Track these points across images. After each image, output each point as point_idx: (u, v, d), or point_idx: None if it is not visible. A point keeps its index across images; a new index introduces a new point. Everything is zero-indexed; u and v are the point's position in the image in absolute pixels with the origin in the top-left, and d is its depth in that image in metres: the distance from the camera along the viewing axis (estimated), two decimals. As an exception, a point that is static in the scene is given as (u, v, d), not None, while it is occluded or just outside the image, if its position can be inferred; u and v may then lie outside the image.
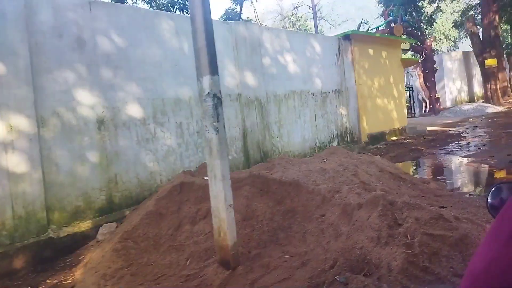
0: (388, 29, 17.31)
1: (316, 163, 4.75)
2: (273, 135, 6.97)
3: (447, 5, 27.32)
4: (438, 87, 18.54)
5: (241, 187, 3.38)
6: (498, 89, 17.60)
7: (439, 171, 6.56)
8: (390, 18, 16.91)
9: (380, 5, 22.52)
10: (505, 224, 0.43)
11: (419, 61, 17.53)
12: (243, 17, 18.94)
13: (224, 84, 5.82)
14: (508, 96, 19.56)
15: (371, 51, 10.25)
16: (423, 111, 17.82)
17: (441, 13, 25.09)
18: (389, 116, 10.88)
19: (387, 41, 11.24)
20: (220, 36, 5.81)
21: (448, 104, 18.28)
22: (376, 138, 10.17)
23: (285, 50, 7.47)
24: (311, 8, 31.28)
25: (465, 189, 4.90)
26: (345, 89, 9.27)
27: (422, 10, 23.56)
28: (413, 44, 17.78)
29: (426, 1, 24.40)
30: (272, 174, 3.91)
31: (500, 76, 19.74)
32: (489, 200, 0.94)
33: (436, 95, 17.41)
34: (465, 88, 18.87)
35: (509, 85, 20.25)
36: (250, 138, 6.33)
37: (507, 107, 16.74)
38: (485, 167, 6.22)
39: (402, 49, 18.09)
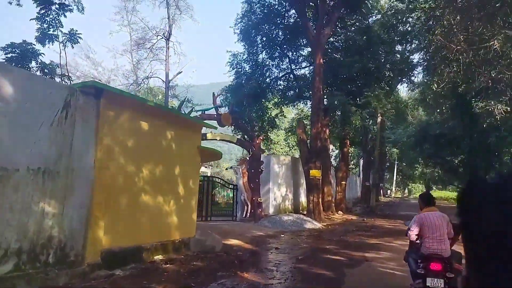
0: (215, 115, 15.45)
1: None
2: None
3: (290, 111, 28.85)
4: (262, 190, 16.88)
5: None
6: (321, 202, 16.85)
7: None
8: (219, 103, 15.07)
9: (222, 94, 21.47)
10: None
11: (246, 158, 15.78)
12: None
13: None
14: (332, 212, 19.24)
15: (143, 125, 7.08)
16: (243, 215, 15.51)
17: (283, 117, 25.67)
18: (161, 222, 7.46)
19: (179, 120, 8.43)
20: None
21: (271, 210, 16.58)
22: (122, 257, 6.43)
23: None
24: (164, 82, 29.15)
25: None
26: (68, 170, 5.53)
27: (266, 111, 23.51)
28: (242, 138, 16.11)
29: (270, 103, 24.69)
30: None
31: (325, 189, 19.60)
32: None
33: (259, 199, 15.45)
34: (290, 196, 17.80)
35: (333, 200, 20.22)
36: None
37: (326, 224, 15.72)
38: None
39: (226, 141, 16.26)
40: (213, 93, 15.04)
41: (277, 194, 17.08)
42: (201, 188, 15.03)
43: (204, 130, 10.73)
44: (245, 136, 16.25)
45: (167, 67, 29.48)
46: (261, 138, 16.83)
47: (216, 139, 14.89)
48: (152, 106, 8.00)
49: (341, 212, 19.79)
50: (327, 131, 20.57)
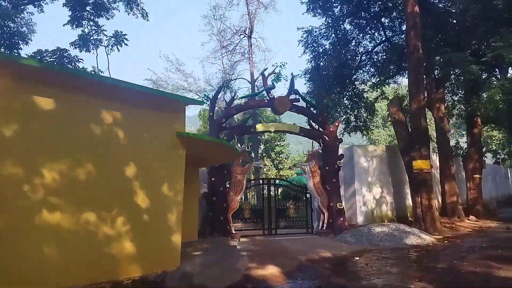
0: (266, 100, 12.29)
1: None
2: None
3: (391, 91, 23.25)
4: (346, 193, 12.88)
5: None
6: (434, 205, 11.86)
7: None
8: (270, 84, 11.97)
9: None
10: None
11: (312, 151, 12.18)
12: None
13: None
14: (459, 218, 13.75)
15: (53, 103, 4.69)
16: (319, 227, 11.86)
17: (386, 100, 20.64)
18: (102, 252, 4.89)
19: (132, 95, 5.80)
20: None
21: (360, 219, 12.44)
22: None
23: None
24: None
25: None
26: None
27: (361, 96, 19.22)
28: (311, 126, 12.60)
29: (367, 85, 20.19)
30: None
31: (447, 186, 14.20)
32: None
33: (338, 205, 11.61)
34: (389, 198, 13.20)
35: (459, 200, 14.57)
36: None
37: (443, 236, 10.83)
38: None
39: (284, 131, 12.82)
40: (263, 73, 12.00)
41: (367, 197, 12.82)
42: (260, 194, 12.14)
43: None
44: (312, 124, 12.62)
45: (251, 66, 27.81)
46: (336, 124, 12.91)
47: (270, 131, 11.78)
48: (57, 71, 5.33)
49: (473, 218, 13.97)
50: (442, 107, 15.07)
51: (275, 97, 11.77)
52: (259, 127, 11.56)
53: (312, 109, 12.75)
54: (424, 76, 13.80)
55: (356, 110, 19.29)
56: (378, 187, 13.08)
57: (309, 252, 8.75)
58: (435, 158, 15.29)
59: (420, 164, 12.08)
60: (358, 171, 12.86)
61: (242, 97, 11.40)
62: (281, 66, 23.06)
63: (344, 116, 19.12)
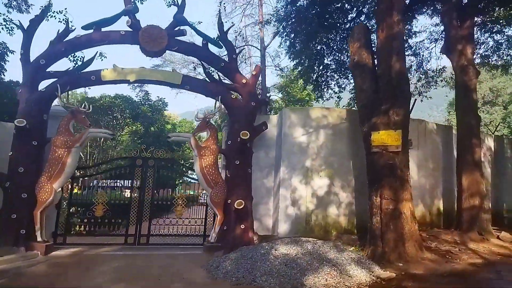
0: (122, 33, 8.02)
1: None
2: None
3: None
4: (263, 185, 8.22)
5: None
6: (408, 212, 6.64)
7: None
8: (131, 5, 7.85)
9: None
10: None
11: (205, 114, 7.82)
12: None
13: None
14: (481, 233, 8.15)
15: None
16: (211, 237, 7.45)
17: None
18: None
19: None
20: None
21: (283, 229, 7.67)
22: None
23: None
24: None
25: None
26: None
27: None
28: (209, 75, 8.27)
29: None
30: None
31: (465, 181, 8.59)
32: None
33: (237, 203, 7.20)
34: (344, 196, 8.11)
35: (484, 204, 8.84)
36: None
37: (404, 273, 5.78)
38: None
39: (151, 82, 8.29)
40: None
41: (301, 193, 7.93)
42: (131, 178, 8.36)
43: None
44: (213, 72, 8.19)
45: (261, 32, 23.42)
46: (255, 72, 8.24)
47: (128, 80, 7.69)
48: None
49: (508, 235, 8.04)
50: (468, 50, 9.15)
51: (142, 27, 7.61)
52: (107, 74, 7.45)
53: (212, 49, 8.23)
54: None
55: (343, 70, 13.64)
56: (324, 177, 7.99)
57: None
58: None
59: (384, 138, 6.84)
60: (287, 150, 7.95)
61: (87, 26, 7.37)
62: None
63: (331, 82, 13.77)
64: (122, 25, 7.78)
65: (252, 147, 7.94)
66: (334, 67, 13.67)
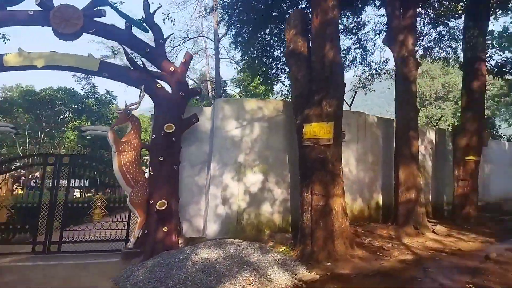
0: (31, 12, 7.06)
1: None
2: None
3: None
4: (192, 183, 7.63)
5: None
6: (339, 208, 6.32)
7: None
8: None
9: None
10: None
11: (126, 106, 7.07)
12: None
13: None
14: (416, 227, 8.03)
15: None
16: (129, 242, 6.77)
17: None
18: None
19: None
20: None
21: (213, 229, 7.15)
22: None
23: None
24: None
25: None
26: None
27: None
28: (132, 61, 7.51)
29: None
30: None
31: (402, 174, 8.44)
32: None
33: (159, 204, 6.56)
34: (279, 192, 7.74)
35: (420, 197, 8.80)
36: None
37: (330, 273, 5.38)
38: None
39: (71, 69, 7.29)
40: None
41: (232, 191, 7.41)
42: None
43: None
44: (137, 58, 7.46)
45: (215, 21, 22.61)
46: (184, 60, 7.60)
47: (35, 66, 6.80)
48: None
49: (442, 229, 7.94)
50: (410, 41, 8.99)
51: (55, 6, 6.74)
52: (11, 59, 6.53)
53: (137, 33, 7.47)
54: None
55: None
56: (258, 173, 7.53)
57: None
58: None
59: (316, 130, 6.45)
60: (219, 144, 7.40)
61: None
62: None
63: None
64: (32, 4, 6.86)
65: (182, 141, 7.32)
66: (285, 59, 13.27)
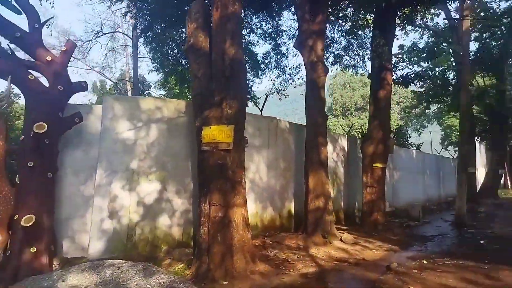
0: None
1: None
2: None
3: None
4: (71, 194, 6.57)
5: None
6: (240, 219, 5.75)
7: None
8: None
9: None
10: None
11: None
12: None
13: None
14: (324, 236, 7.83)
15: None
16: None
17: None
18: None
19: None
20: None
21: (97, 248, 6.27)
22: None
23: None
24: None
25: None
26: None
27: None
28: None
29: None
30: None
31: (311, 182, 8.19)
32: None
33: (24, 220, 5.32)
34: (179, 202, 7.10)
35: (329, 205, 8.69)
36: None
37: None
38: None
39: None
40: None
41: (122, 202, 6.49)
42: None
43: None
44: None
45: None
46: (65, 48, 6.53)
47: None
48: None
49: (349, 237, 7.89)
50: (319, 46, 8.91)
51: None
52: None
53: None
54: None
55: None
56: (155, 181, 6.72)
57: None
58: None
59: (215, 134, 5.87)
60: (108, 148, 6.46)
61: None
62: None
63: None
64: None
65: (65, 144, 6.23)
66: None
